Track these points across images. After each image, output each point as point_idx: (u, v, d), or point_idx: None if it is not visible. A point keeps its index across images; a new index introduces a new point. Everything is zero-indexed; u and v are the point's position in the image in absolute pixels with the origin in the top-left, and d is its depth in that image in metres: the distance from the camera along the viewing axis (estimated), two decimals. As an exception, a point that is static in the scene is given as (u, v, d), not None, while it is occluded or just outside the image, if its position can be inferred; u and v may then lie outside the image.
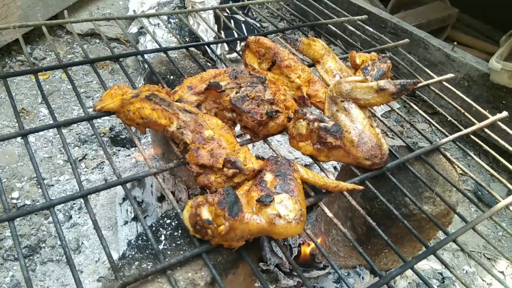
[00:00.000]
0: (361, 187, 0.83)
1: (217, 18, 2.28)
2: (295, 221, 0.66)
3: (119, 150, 1.78)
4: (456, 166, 1.02)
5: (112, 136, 1.83)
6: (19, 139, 1.54)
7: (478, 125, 1.09)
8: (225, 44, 2.12)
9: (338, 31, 1.40)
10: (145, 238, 0.74)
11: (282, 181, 0.72)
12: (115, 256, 0.97)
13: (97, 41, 2.46)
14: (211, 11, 2.16)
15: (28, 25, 1.19)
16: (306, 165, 1.68)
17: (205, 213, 0.65)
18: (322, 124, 0.85)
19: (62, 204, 1.23)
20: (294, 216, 0.66)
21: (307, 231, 0.74)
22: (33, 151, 0.79)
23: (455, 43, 2.31)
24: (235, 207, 0.64)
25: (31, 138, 0.77)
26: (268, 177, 0.74)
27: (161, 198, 1.36)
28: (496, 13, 3.06)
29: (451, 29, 3.06)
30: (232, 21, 2.26)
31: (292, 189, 0.70)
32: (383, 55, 1.15)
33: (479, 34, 3.18)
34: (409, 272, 0.74)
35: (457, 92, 1.21)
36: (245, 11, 2.59)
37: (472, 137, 1.09)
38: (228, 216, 0.63)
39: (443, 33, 3.00)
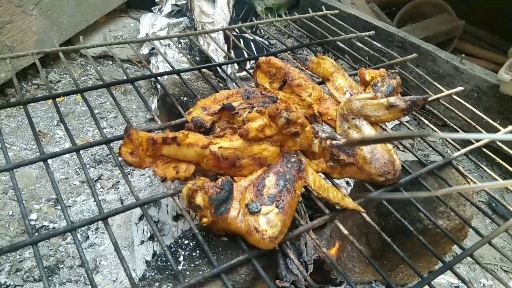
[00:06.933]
0: (362, 210, 0.82)
1: (226, 38, 2.32)
2: (269, 239, 0.69)
3: (133, 170, 1.80)
4: (469, 180, 1.02)
5: (126, 156, 1.86)
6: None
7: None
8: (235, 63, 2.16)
9: (346, 47, 1.42)
10: (164, 259, 0.75)
11: (279, 192, 0.73)
12: (132, 275, 0.99)
13: (110, 62, 2.52)
14: (221, 31, 2.20)
15: (46, 51, 1.23)
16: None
17: (199, 199, 0.70)
18: (334, 142, 0.87)
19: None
20: (271, 234, 0.69)
21: (323, 249, 0.75)
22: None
23: (463, 55, 2.32)
24: (223, 207, 0.70)
25: (49, 160, 0.80)
26: (269, 180, 0.75)
27: (177, 217, 1.38)
28: (503, 23, 3.06)
29: (458, 40, 3.07)
30: (241, 40, 2.30)
31: (284, 205, 0.72)
32: (392, 70, 1.17)
33: (486, 44, 3.18)
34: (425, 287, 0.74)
35: (467, 105, 1.21)
36: (254, 30, 2.63)
37: (484, 150, 1.09)
38: (214, 212, 0.69)
39: (450, 45, 3.01)
